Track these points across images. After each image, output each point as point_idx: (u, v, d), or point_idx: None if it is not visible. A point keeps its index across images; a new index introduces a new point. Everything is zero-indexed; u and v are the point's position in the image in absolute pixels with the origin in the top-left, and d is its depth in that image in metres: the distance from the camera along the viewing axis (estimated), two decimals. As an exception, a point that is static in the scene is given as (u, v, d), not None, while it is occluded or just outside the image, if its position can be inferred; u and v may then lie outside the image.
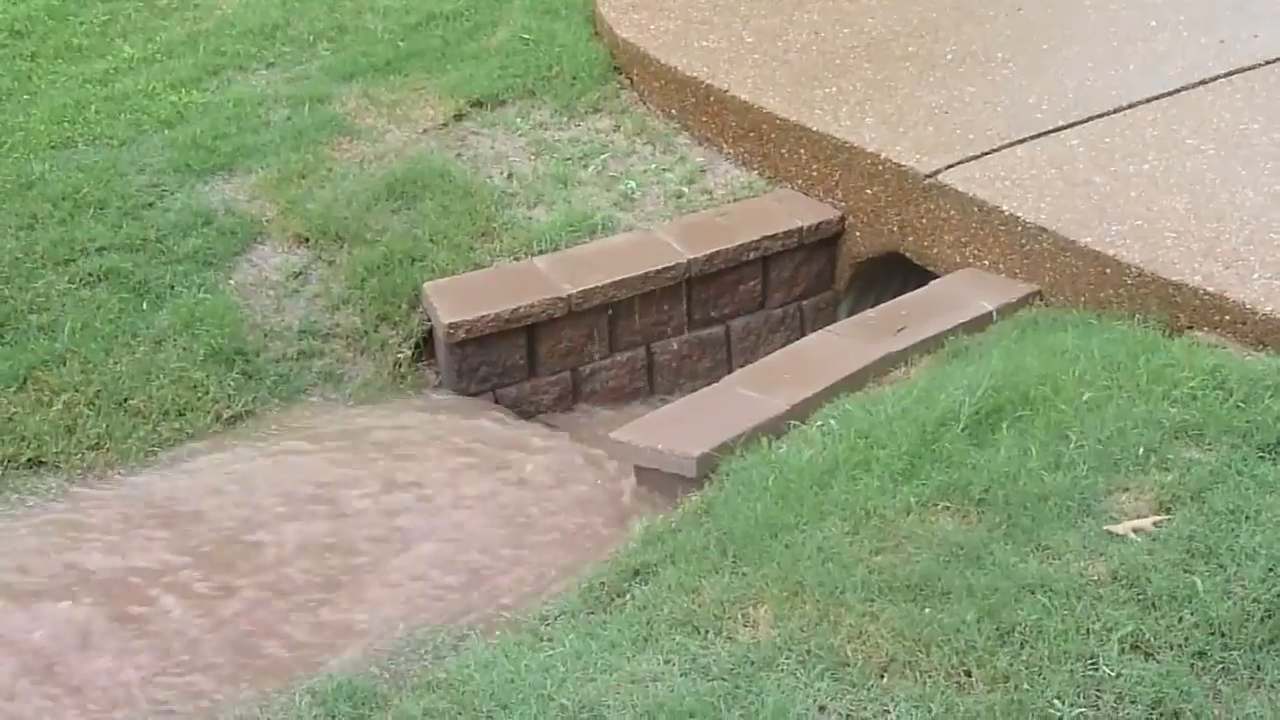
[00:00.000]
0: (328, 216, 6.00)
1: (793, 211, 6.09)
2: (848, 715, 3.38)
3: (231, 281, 5.77)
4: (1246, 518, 3.79)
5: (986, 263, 5.50)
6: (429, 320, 5.67)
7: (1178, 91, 6.17)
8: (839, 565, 3.78)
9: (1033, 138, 5.86)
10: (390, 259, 5.82)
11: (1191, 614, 3.52)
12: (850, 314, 5.99)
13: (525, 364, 5.67)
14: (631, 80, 6.93)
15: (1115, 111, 6.03)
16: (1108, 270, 5.06)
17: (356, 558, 4.59)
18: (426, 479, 4.96)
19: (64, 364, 5.30)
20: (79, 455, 5.04)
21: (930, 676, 3.43)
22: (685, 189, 6.30)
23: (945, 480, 4.04)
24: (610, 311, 5.75)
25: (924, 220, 5.71)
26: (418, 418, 5.37)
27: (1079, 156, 5.69)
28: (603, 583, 4.02)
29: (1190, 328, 4.84)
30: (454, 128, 6.62)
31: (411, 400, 5.53)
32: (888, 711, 3.37)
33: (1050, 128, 5.92)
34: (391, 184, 6.17)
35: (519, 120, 6.67)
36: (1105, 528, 3.83)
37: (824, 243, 6.09)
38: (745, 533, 3.99)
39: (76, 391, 5.21)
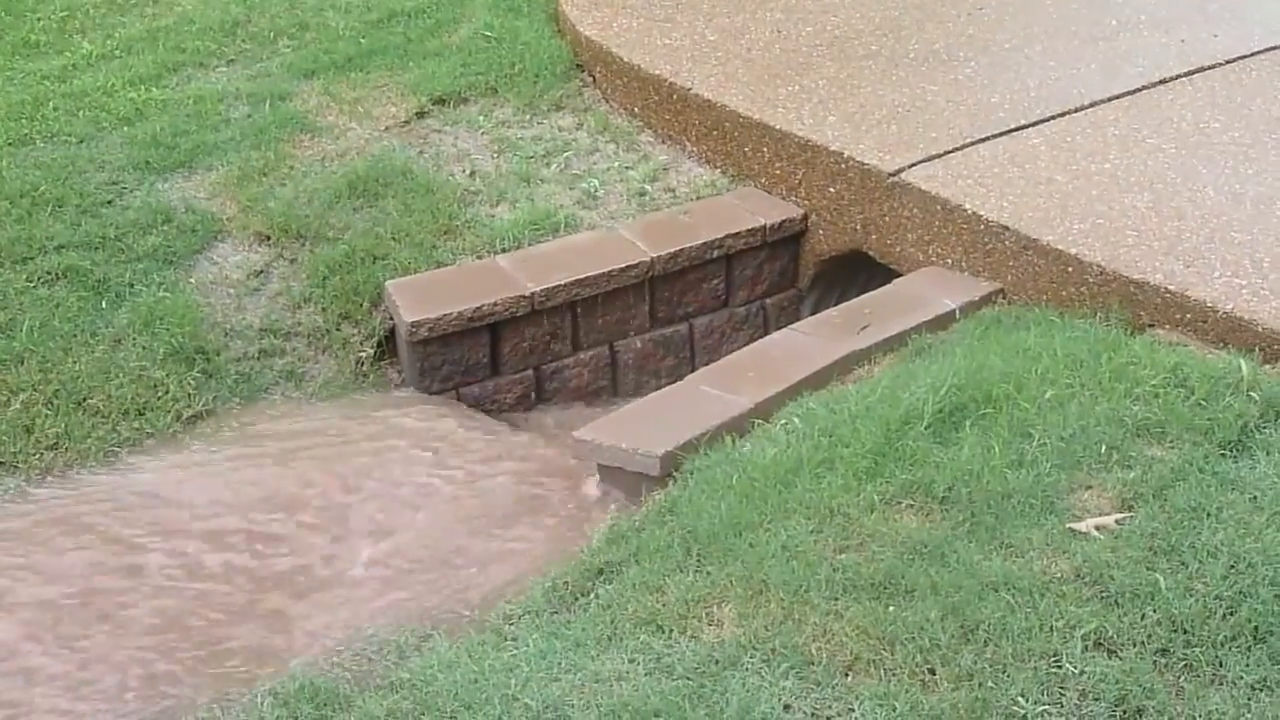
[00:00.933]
0: (289, 214, 5.97)
1: (756, 210, 6.09)
2: (812, 714, 3.37)
3: (192, 280, 5.73)
4: (1208, 515, 3.81)
5: (949, 261, 5.51)
6: (391, 319, 5.64)
7: (1138, 91, 6.21)
8: (803, 564, 3.78)
9: (995, 136, 5.87)
10: (352, 257, 5.79)
11: (1154, 611, 3.53)
12: (814, 312, 6.00)
13: (488, 362, 5.65)
14: (594, 78, 6.92)
15: (1077, 110, 6.06)
16: (1070, 269, 5.07)
17: (318, 558, 4.57)
18: (388, 478, 4.94)
19: (22, 363, 5.25)
20: (38, 455, 5.00)
21: (895, 675, 3.43)
22: (648, 187, 6.29)
23: (909, 478, 4.05)
24: (573, 310, 5.74)
25: (887, 219, 5.72)
26: (380, 417, 5.35)
27: (1041, 155, 5.71)
28: (566, 582, 4.01)
29: (1152, 326, 4.86)
30: (416, 125, 6.60)
31: (374, 399, 5.50)
32: (852, 710, 3.37)
33: (1012, 126, 5.94)
34: (353, 182, 6.14)
35: (481, 118, 6.65)
36: (1068, 525, 3.84)
37: (787, 241, 6.10)
38: (709, 531, 3.99)
39: (35, 391, 5.16)
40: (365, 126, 6.56)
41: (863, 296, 5.53)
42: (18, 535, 4.65)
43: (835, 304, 5.78)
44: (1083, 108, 6.07)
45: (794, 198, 6.10)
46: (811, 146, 5.95)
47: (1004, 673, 3.40)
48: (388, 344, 5.68)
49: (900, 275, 5.65)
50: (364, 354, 5.62)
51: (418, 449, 5.13)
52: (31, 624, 4.28)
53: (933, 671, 3.43)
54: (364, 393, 5.54)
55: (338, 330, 5.65)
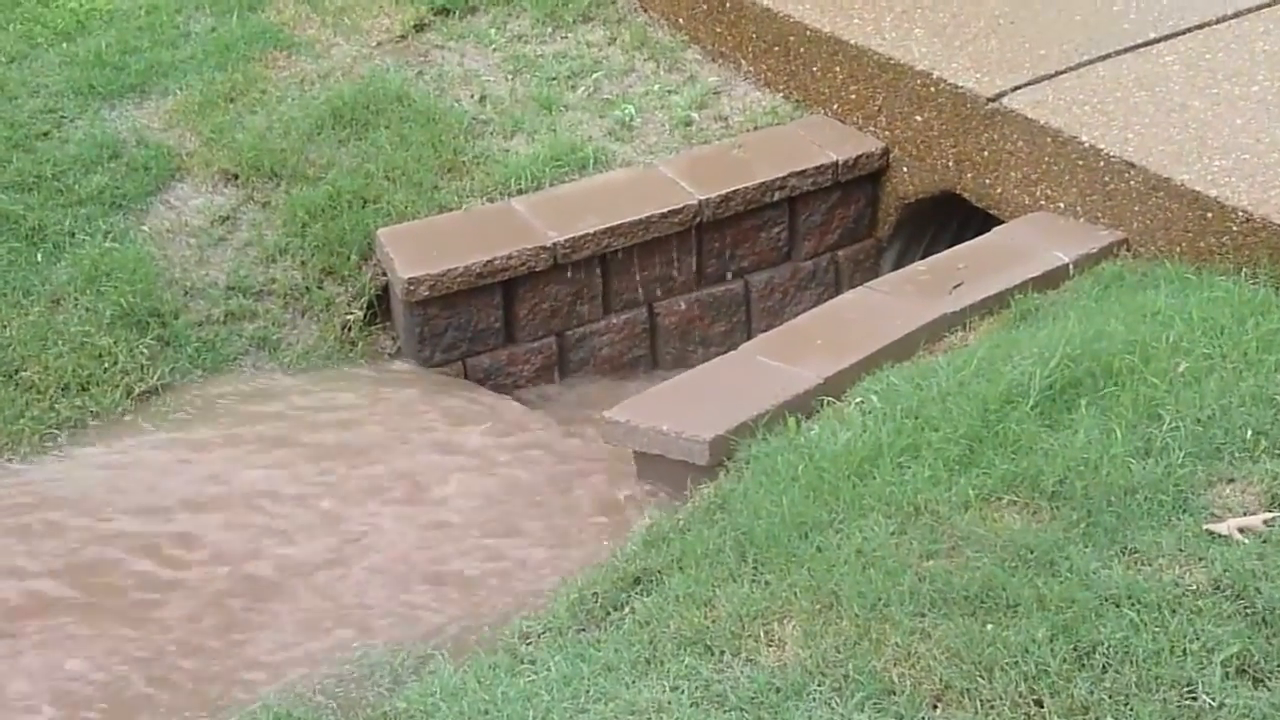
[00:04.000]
0: (261, 149, 5.98)
1: (825, 143, 6.07)
2: (893, 753, 3.38)
3: (144, 228, 5.76)
4: (1377, 515, 3.79)
5: (1061, 205, 5.49)
6: (384, 275, 5.66)
7: (1294, -3, 6.17)
8: (882, 572, 3.78)
9: (1117, 53, 5.84)
10: (337, 200, 5.81)
11: (1310, 631, 3.52)
12: (896, 267, 5.99)
13: (501, 328, 5.67)
14: (630, -17, 6.92)
15: (1218, 22, 6.01)
16: (1208, 214, 5.05)
17: (296, 565, 4.59)
18: (381, 469, 4.96)
19: (-58, 328, 5.29)
20: (-41, 439, 5.04)
21: (993, 707, 3.43)
22: (695, 115, 6.28)
23: (1011, 469, 4.04)
24: (604, 264, 5.74)
25: (985, 153, 5.70)
26: (371, 394, 5.37)
27: (1174, 76, 5.68)
28: (596, 593, 4.02)
29: (1309, 284, 4.85)
30: (414, 41, 6.60)
31: (363, 372, 5.52)
32: (941, 749, 3.37)
33: (1139, 41, 5.90)
34: (338, 109, 6.15)
35: (493, 31, 6.65)
36: (1205, 526, 3.82)
37: (863, 180, 6.09)
38: (769, 532, 3.99)
39: (-44, 361, 5.21)
40: (352, 42, 6.56)
41: (956, 248, 5.51)
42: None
43: (922, 257, 5.76)
44: (1225, 18, 6.03)
45: (872, 128, 6.08)
46: (894, 66, 5.93)
47: (1126, 705, 3.39)
48: (380, 305, 5.70)
49: (1001, 222, 5.64)
50: (351, 317, 5.64)
51: (416, 433, 5.14)
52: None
53: (1039, 703, 3.43)
54: (351, 364, 5.55)
55: (320, 289, 5.67)
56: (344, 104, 6.18)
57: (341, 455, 5.02)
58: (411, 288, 5.48)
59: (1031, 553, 3.78)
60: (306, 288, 5.69)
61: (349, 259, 5.70)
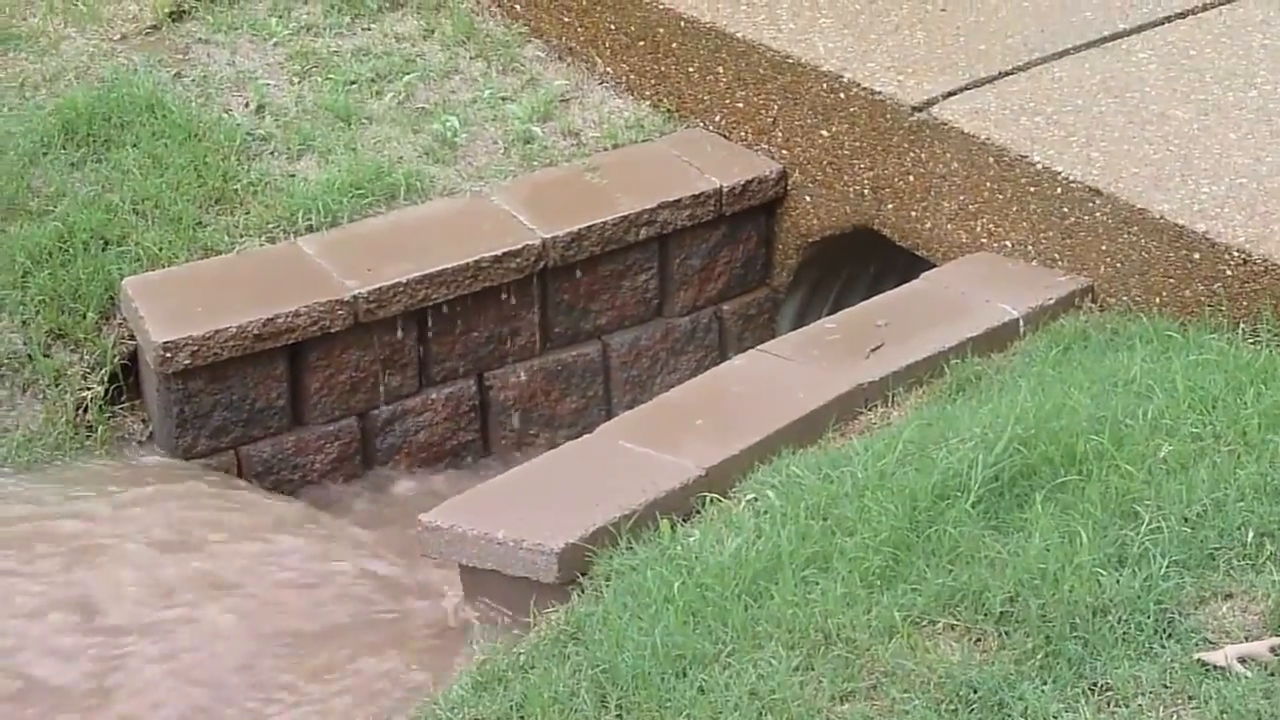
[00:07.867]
0: (-34, 174, 5.94)
1: (706, 165, 6.11)
2: None
3: None
4: None
5: (1008, 243, 5.55)
6: (132, 338, 5.62)
7: (1299, -22, 6.27)
8: (784, 719, 3.78)
9: (1079, 49, 5.91)
10: (69, 241, 5.76)
11: (1331, 788, 3.56)
12: (797, 324, 6.01)
13: (286, 406, 5.64)
14: (452, -42, 6.94)
15: (1204, 8, 6.09)
16: (1196, 255, 5.11)
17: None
18: (125, 600, 4.90)
19: None
20: None
21: None
22: (537, 129, 6.30)
23: (948, 584, 4.06)
24: (420, 323, 5.74)
25: (910, 178, 5.75)
26: (109, 497, 5.31)
27: (1150, 78, 5.75)
28: (411, 754, 4.00)
29: (1323, 343, 4.91)
30: (170, 33, 6.58)
31: (102, 468, 5.47)
32: None
33: (1106, 34, 5.98)
34: (70, 122, 6.10)
35: (273, 21, 6.64)
36: (1196, 656, 3.86)
37: (755, 213, 6.13)
38: (636, 670, 3.98)
39: None
40: (89, 34, 6.53)
41: (874, 299, 5.55)
42: None
43: (831, 311, 5.79)
44: (1212, 4, 6.11)
45: (765, 146, 6.12)
46: (793, 66, 5.97)
47: None
48: (126, 379, 5.65)
49: (932, 265, 5.68)
50: (88, 394, 5.59)
51: (172, 549, 5.08)
52: None
53: None
54: (87, 457, 5.50)
55: (46, 357, 5.62)
56: (78, 115, 6.13)
57: (74, 579, 4.95)
58: (168, 355, 5.44)
59: (975, 692, 3.80)
60: (29, 356, 5.63)
61: (85, 318, 5.65)
